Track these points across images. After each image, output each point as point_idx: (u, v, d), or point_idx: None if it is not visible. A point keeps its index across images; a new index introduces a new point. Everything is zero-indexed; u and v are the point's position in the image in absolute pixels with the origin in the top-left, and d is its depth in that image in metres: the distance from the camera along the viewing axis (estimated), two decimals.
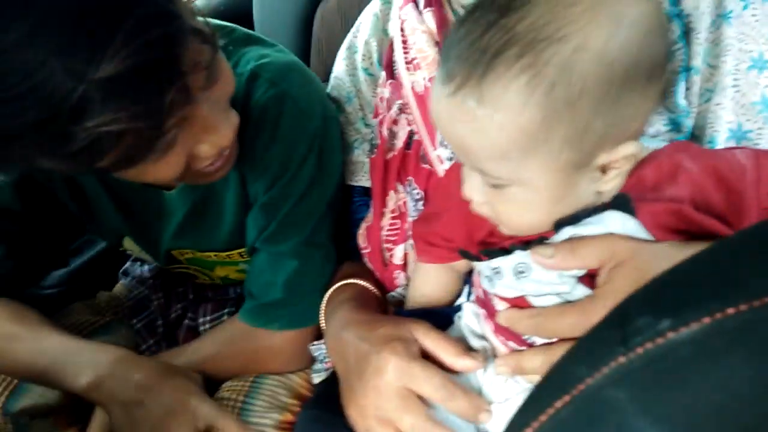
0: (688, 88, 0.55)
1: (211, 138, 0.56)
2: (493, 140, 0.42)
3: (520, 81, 0.40)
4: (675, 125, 0.56)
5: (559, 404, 0.23)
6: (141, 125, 0.46)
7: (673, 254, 0.44)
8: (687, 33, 0.55)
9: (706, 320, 0.22)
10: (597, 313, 0.44)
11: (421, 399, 0.53)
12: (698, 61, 0.55)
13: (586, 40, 0.39)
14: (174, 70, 0.46)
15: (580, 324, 0.45)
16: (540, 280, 0.49)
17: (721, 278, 0.23)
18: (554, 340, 0.49)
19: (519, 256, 0.50)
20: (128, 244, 0.84)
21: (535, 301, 0.50)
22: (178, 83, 0.47)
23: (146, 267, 0.99)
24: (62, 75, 0.43)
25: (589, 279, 0.48)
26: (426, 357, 0.56)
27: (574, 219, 0.47)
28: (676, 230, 0.45)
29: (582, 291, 0.47)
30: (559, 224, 0.47)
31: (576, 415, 0.22)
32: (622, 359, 0.22)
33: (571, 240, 0.47)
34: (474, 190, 0.48)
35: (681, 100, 0.55)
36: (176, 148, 0.53)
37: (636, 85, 0.41)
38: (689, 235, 0.45)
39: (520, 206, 0.46)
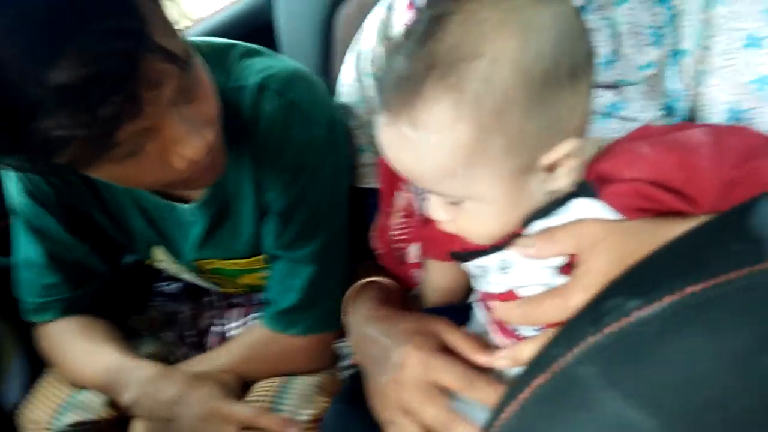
0: (680, 72, 0.55)
1: (180, 151, 0.57)
2: (435, 162, 0.44)
3: (446, 101, 0.42)
4: (670, 109, 0.56)
5: (537, 382, 0.25)
6: (87, 133, 0.47)
7: (644, 229, 0.45)
8: (675, 16, 0.55)
9: (668, 299, 0.23)
10: (576, 294, 0.45)
11: (444, 393, 0.55)
12: (689, 43, 0.55)
13: (500, 52, 0.41)
14: (124, 84, 0.47)
15: (561, 306, 0.46)
16: (523, 274, 0.51)
17: (686, 262, 0.25)
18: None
19: (500, 254, 0.52)
20: (158, 255, 0.87)
21: (522, 293, 0.52)
22: (127, 97, 0.48)
23: (174, 285, 1.02)
24: (18, 77, 0.44)
25: (570, 269, 0.49)
26: (446, 352, 0.57)
27: (542, 212, 0.48)
28: (642, 209, 0.45)
29: (563, 280, 0.49)
30: (528, 219, 0.49)
31: (552, 391, 0.24)
32: (592, 338, 0.24)
33: (548, 229, 0.48)
34: (437, 211, 0.50)
35: (674, 84, 0.55)
36: (146, 156, 0.56)
37: (560, 85, 0.43)
38: (656, 214, 0.46)
39: (480, 219, 0.48)
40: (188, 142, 0.57)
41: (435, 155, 0.44)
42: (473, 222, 0.49)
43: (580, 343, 0.24)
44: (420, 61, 0.43)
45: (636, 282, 0.26)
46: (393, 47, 0.46)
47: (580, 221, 0.47)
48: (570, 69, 0.43)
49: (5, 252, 0.92)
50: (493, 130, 0.42)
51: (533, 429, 0.25)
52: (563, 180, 0.46)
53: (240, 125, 0.71)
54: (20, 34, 0.43)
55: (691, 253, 0.26)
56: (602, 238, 0.46)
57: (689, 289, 0.23)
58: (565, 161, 0.45)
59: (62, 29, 0.44)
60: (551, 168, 0.46)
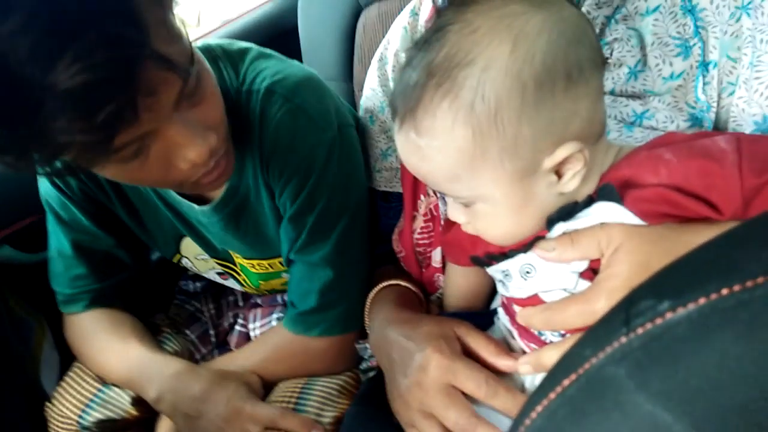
0: (706, 83, 0.55)
1: (183, 154, 0.58)
2: (439, 165, 0.46)
3: (443, 106, 0.44)
4: (696, 120, 0.56)
5: (566, 382, 0.25)
6: (86, 138, 0.48)
7: (667, 236, 0.46)
8: (703, 28, 0.55)
9: (702, 301, 0.23)
10: (599, 299, 0.46)
11: (465, 396, 0.55)
12: (716, 55, 0.54)
13: (491, 59, 0.43)
14: (121, 91, 0.48)
15: (584, 312, 0.47)
16: (545, 278, 0.51)
17: (720, 263, 0.25)
18: (567, 335, 0.51)
19: (523, 258, 0.52)
20: (187, 247, 0.88)
21: (546, 297, 0.52)
22: (124, 104, 0.48)
23: (198, 284, 1.04)
24: (22, 79, 0.45)
25: (591, 273, 0.49)
26: (468, 356, 0.57)
27: (565, 215, 0.49)
28: (666, 215, 0.45)
29: (585, 285, 0.49)
30: (551, 221, 0.49)
31: (580, 392, 0.24)
32: (623, 339, 0.24)
33: (569, 233, 0.48)
34: (454, 212, 0.52)
35: (700, 95, 0.55)
36: (151, 158, 0.57)
37: (554, 88, 0.43)
38: (681, 219, 0.46)
39: (491, 220, 0.49)
40: (192, 145, 0.58)
41: (438, 159, 0.46)
42: (486, 223, 0.50)
43: (611, 344, 0.24)
44: (422, 70, 0.45)
45: (668, 284, 0.26)
46: (407, 57, 0.48)
47: (602, 225, 0.47)
48: (565, 74, 0.43)
49: (38, 247, 0.95)
50: (489, 135, 0.44)
51: (561, 430, 0.25)
52: (572, 183, 0.47)
53: (250, 129, 0.72)
54: (24, 38, 0.44)
55: (722, 257, 0.26)
56: (624, 243, 0.46)
57: (723, 291, 0.23)
58: (569, 164, 0.46)
59: (63, 34, 0.45)
60: (557, 171, 0.46)
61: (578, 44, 0.44)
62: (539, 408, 0.25)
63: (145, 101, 0.50)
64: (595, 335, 0.26)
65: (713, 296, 0.23)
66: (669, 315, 0.24)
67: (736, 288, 0.23)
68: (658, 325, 0.23)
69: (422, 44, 0.46)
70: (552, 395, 0.25)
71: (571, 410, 0.25)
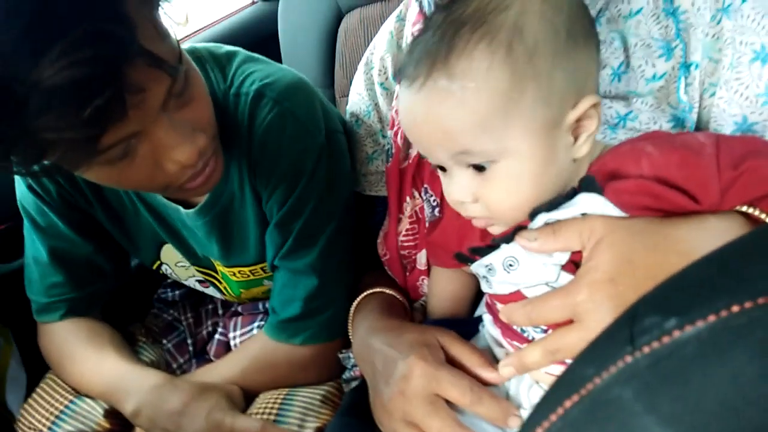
0: (688, 84, 0.55)
1: (171, 155, 0.57)
2: (473, 110, 0.45)
3: (480, 47, 0.44)
4: (678, 121, 0.56)
5: (568, 404, 0.23)
6: (73, 135, 0.48)
7: (647, 228, 0.46)
8: (684, 30, 0.56)
9: (712, 318, 0.22)
10: (580, 292, 0.46)
11: (449, 405, 0.54)
12: (698, 56, 0.55)
13: (525, 3, 0.44)
14: (107, 88, 0.47)
15: (565, 305, 0.47)
16: (528, 271, 0.51)
17: (729, 278, 0.24)
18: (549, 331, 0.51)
19: (506, 251, 0.53)
20: (168, 254, 0.86)
21: (528, 293, 0.52)
22: (111, 101, 0.48)
23: (177, 291, 1.02)
24: (6, 76, 0.45)
25: (573, 266, 0.49)
26: (452, 365, 0.56)
27: (548, 206, 0.49)
28: (647, 207, 0.47)
29: (567, 278, 0.50)
30: (534, 212, 0.50)
31: (584, 414, 0.23)
32: (628, 359, 0.23)
33: (551, 224, 0.49)
34: (460, 189, 0.49)
35: (682, 96, 0.56)
36: (139, 160, 0.56)
37: (577, 41, 0.45)
38: (660, 212, 0.47)
39: (510, 184, 0.47)
40: (180, 147, 0.57)
41: (473, 103, 0.44)
42: (501, 190, 0.48)
43: (615, 363, 0.23)
44: (451, 23, 0.45)
45: (673, 299, 0.25)
46: (423, 25, 0.48)
47: (584, 217, 0.48)
48: (584, 30, 0.46)
49: (10, 256, 0.92)
50: (525, 75, 0.44)
51: None
52: (584, 147, 0.48)
53: (238, 132, 0.71)
54: (8, 34, 0.44)
55: (729, 269, 0.25)
56: (606, 236, 0.46)
57: (734, 309, 0.22)
58: (585, 123, 0.47)
59: (48, 31, 0.44)
60: (575, 134, 0.47)
61: (586, 9, 0.47)
62: (540, 430, 0.24)
63: (133, 98, 0.50)
64: (597, 353, 0.25)
65: (723, 313, 0.22)
66: (677, 333, 0.22)
67: (748, 305, 0.22)
68: (665, 344, 0.22)
69: (442, 8, 0.47)
70: (553, 417, 0.24)
71: None
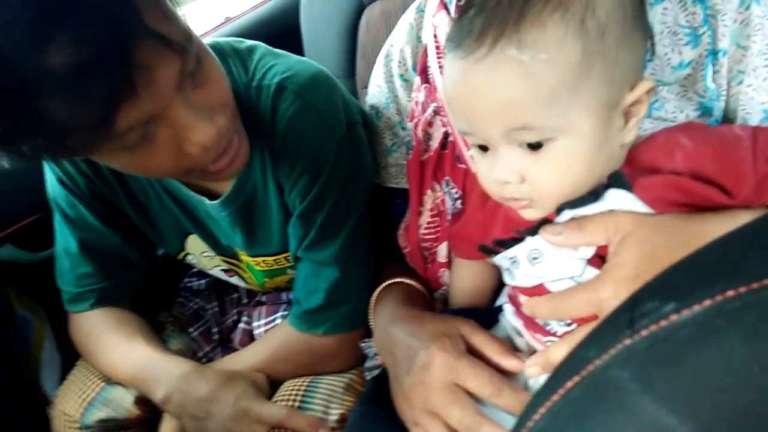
0: (716, 72, 0.55)
1: (190, 137, 0.57)
2: (542, 81, 0.43)
3: (554, 18, 0.43)
4: (705, 110, 0.55)
5: (569, 384, 0.24)
6: (86, 117, 0.48)
7: (675, 225, 0.46)
8: (712, 16, 0.55)
9: (707, 302, 0.23)
10: (605, 288, 0.46)
11: (469, 394, 0.55)
12: (725, 44, 0.54)
13: None
14: (116, 69, 0.48)
15: (591, 301, 0.47)
16: (552, 264, 0.51)
17: (726, 265, 0.24)
18: (573, 326, 0.51)
19: (531, 243, 0.52)
20: (193, 245, 0.88)
21: (551, 287, 0.52)
22: (121, 81, 0.48)
23: (202, 281, 1.04)
24: (17, 61, 0.45)
25: (599, 260, 0.49)
26: (472, 355, 0.57)
27: (575, 201, 0.49)
28: (676, 203, 0.46)
29: (592, 273, 0.49)
30: (561, 207, 0.49)
31: (584, 394, 0.24)
32: (627, 341, 0.24)
33: (577, 218, 0.49)
34: (507, 168, 0.47)
35: (710, 83, 0.55)
36: (158, 144, 0.57)
37: (638, 24, 0.45)
38: (691, 208, 0.46)
39: (564, 163, 0.46)
40: (198, 127, 0.57)
41: (543, 73, 0.43)
42: (554, 169, 0.46)
43: (615, 345, 0.24)
44: None
45: (672, 284, 0.25)
46: (467, 4, 0.47)
47: (610, 212, 0.47)
48: (643, 11, 0.46)
49: (41, 246, 0.95)
50: (595, 52, 0.43)
51: None
52: (632, 133, 0.47)
53: (261, 124, 0.72)
54: (17, 19, 0.44)
55: (729, 256, 0.25)
56: (633, 232, 0.46)
57: (728, 293, 0.23)
58: (637, 107, 0.46)
59: (55, 17, 0.45)
60: (627, 116, 0.47)
61: None
62: (542, 410, 0.25)
63: (142, 77, 0.50)
64: (598, 336, 0.26)
65: (719, 298, 0.23)
66: (674, 317, 0.23)
67: (742, 289, 0.23)
68: (662, 326, 0.23)
69: None
70: (555, 397, 0.25)
71: (575, 412, 0.24)
